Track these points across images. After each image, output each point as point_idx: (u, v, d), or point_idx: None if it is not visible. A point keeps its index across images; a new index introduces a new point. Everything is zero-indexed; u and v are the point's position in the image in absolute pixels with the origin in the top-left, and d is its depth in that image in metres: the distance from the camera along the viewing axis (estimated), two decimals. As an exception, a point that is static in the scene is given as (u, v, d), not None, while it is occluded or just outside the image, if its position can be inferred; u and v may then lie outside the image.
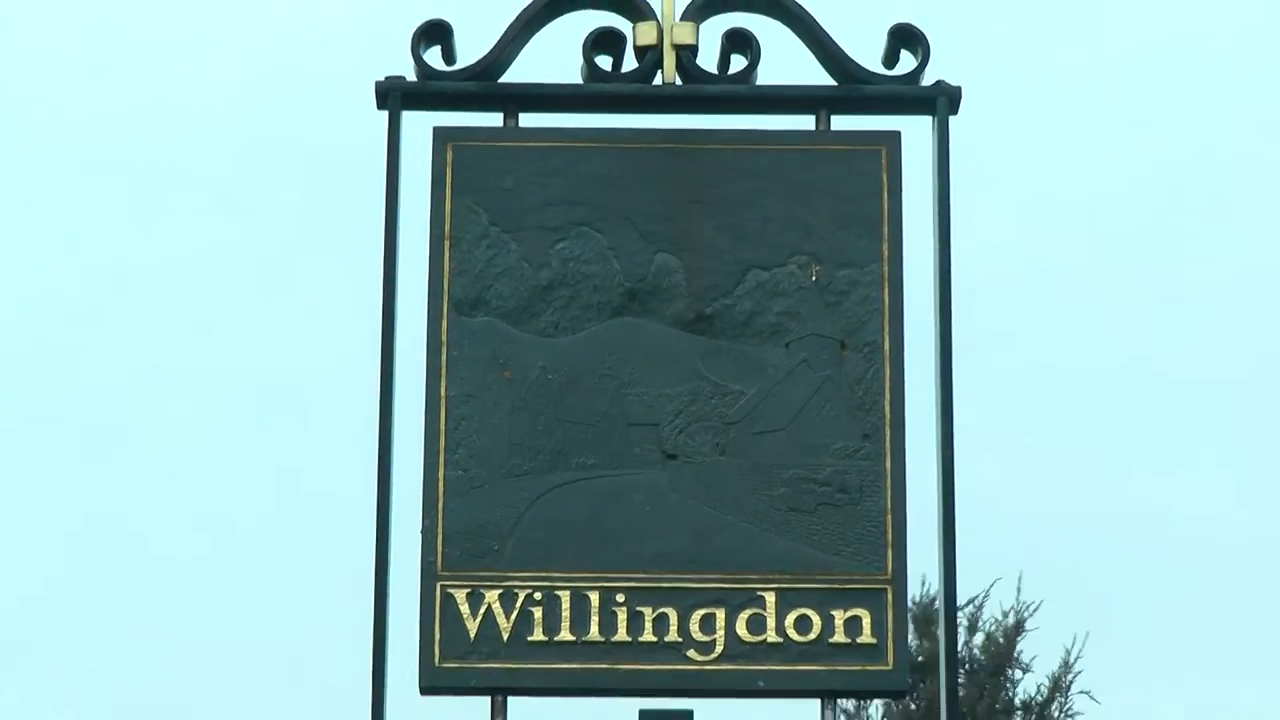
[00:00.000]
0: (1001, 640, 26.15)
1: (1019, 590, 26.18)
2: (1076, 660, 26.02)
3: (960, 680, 25.03)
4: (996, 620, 26.10)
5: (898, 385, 7.01)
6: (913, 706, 18.00)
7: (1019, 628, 26.13)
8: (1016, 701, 26.12)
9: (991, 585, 26.00)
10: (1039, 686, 26.16)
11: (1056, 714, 26.06)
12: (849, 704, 19.72)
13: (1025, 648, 26.10)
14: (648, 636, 6.81)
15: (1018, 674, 26.16)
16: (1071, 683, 26.06)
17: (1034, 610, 26.14)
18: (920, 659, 17.36)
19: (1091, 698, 26.11)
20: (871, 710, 19.21)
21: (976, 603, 25.76)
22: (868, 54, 7.20)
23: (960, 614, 24.71)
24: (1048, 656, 26.05)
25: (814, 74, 7.20)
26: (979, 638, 26.04)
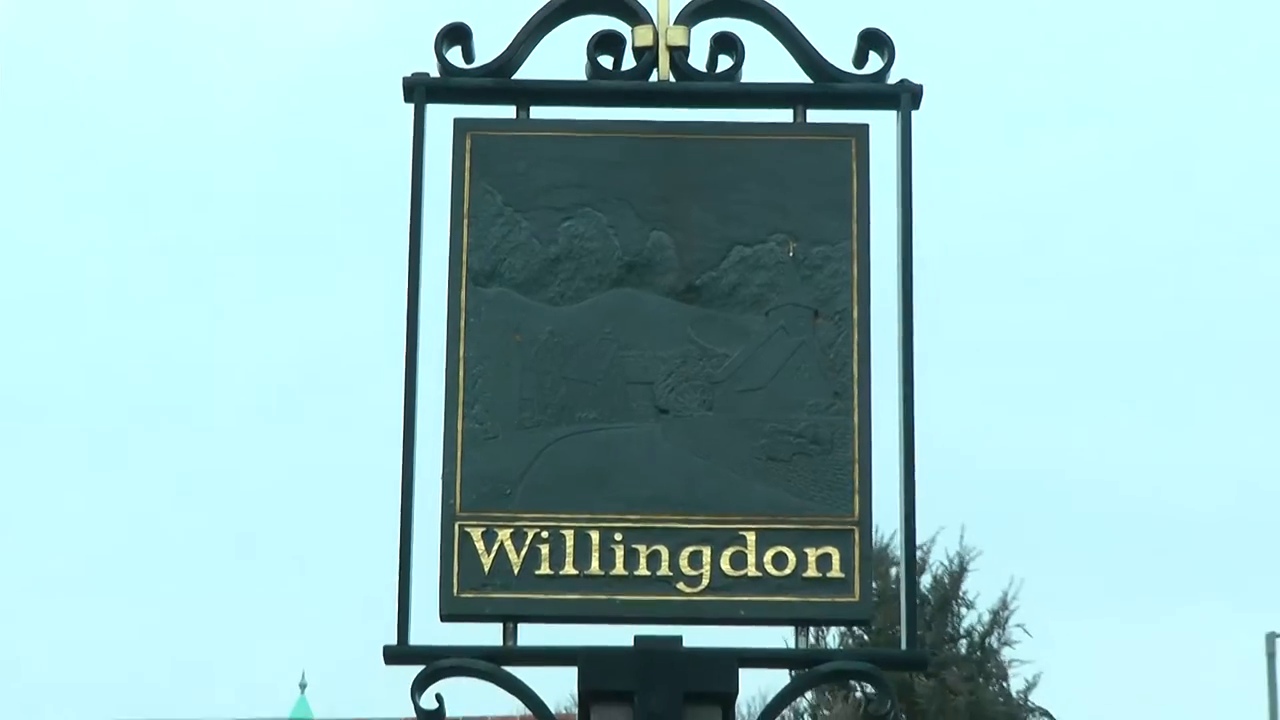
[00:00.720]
0: (947, 581, 26.22)
1: (962, 537, 26.29)
2: (1014, 599, 26.11)
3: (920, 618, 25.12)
4: (943, 564, 26.21)
5: (864, 349, 7.04)
6: (865, 637, 18.02)
7: (962, 570, 26.20)
8: (960, 632, 26.19)
9: (938, 533, 26.09)
10: (980, 619, 26.24)
11: (995, 644, 26.12)
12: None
13: (969, 587, 26.20)
14: (642, 571, 6.85)
15: (962, 610, 26.24)
16: (1009, 618, 26.13)
17: (975, 556, 26.24)
18: (878, 592, 17.35)
19: (1025, 630, 26.20)
20: (829, 639, 19.23)
21: (925, 548, 25.86)
22: (840, 55, 7.22)
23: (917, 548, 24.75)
24: (989, 595, 26.15)
25: (792, 73, 7.22)
26: (926, 579, 26.14)
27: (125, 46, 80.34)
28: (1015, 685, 25.88)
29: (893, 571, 21.38)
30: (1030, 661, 26.21)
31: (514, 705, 6.99)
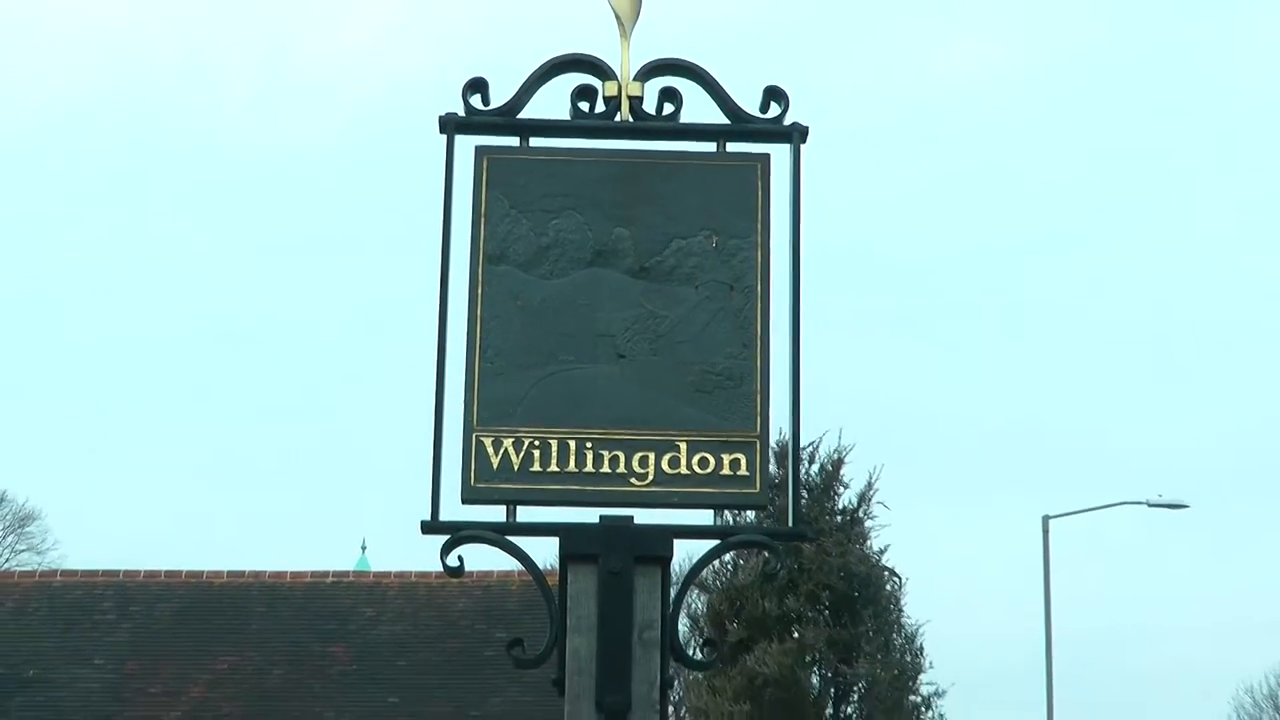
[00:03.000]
0: (830, 468, 26.12)
1: (840, 437, 26.19)
2: (876, 480, 26.07)
3: (803, 497, 25.21)
4: (828, 456, 26.09)
5: (765, 313, 7.05)
6: (765, 520, 18.09)
7: (840, 461, 26.13)
8: (838, 508, 26.12)
9: (823, 435, 25.99)
10: (851, 500, 26.20)
11: (863, 517, 26.07)
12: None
13: (846, 473, 26.12)
14: (605, 470, 6.88)
15: (840, 489, 26.17)
16: (873, 496, 26.09)
17: (851, 450, 26.17)
18: (776, 482, 17.40)
19: (884, 505, 26.18)
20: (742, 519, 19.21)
21: (814, 444, 25.80)
22: (750, 103, 7.23)
23: (803, 452, 25.01)
24: (859, 480, 26.12)
25: (715, 116, 7.23)
26: (815, 467, 26.04)
27: (255, 92, 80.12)
28: (874, 548, 25.79)
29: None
30: (887, 525, 26.17)
31: (514, 565, 7.01)
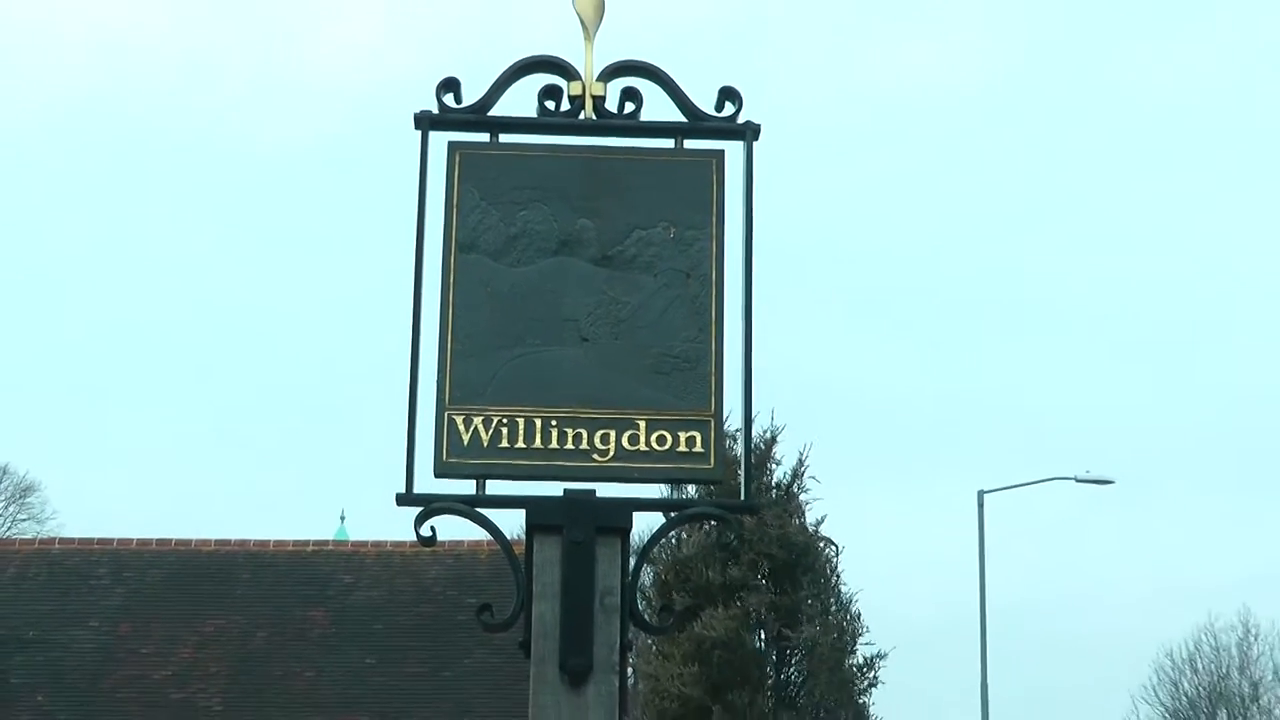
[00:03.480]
0: (763, 447, 26.23)
1: (772, 417, 26.29)
2: (807, 457, 26.17)
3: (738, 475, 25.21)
4: (760, 434, 26.18)
5: (719, 300, 7.00)
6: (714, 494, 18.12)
7: (773, 439, 26.24)
8: (773, 482, 26.21)
9: (756, 415, 26.16)
10: (784, 474, 26.29)
11: (796, 491, 26.19)
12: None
13: (778, 451, 26.24)
14: (569, 446, 6.82)
15: (773, 467, 26.28)
16: (804, 471, 26.18)
17: (782, 430, 26.28)
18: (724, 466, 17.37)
19: (815, 479, 26.27)
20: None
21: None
22: (706, 103, 7.17)
23: (737, 432, 24.94)
24: (790, 456, 26.22)
25: (673, 114, 7.17)
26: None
27: (252, 93, 79.91)
28: (809, 520, 25.90)
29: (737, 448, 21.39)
30: (820, 499, 26.26)
31: (483, 535, 6.96)
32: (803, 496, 25.95)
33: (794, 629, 24.76)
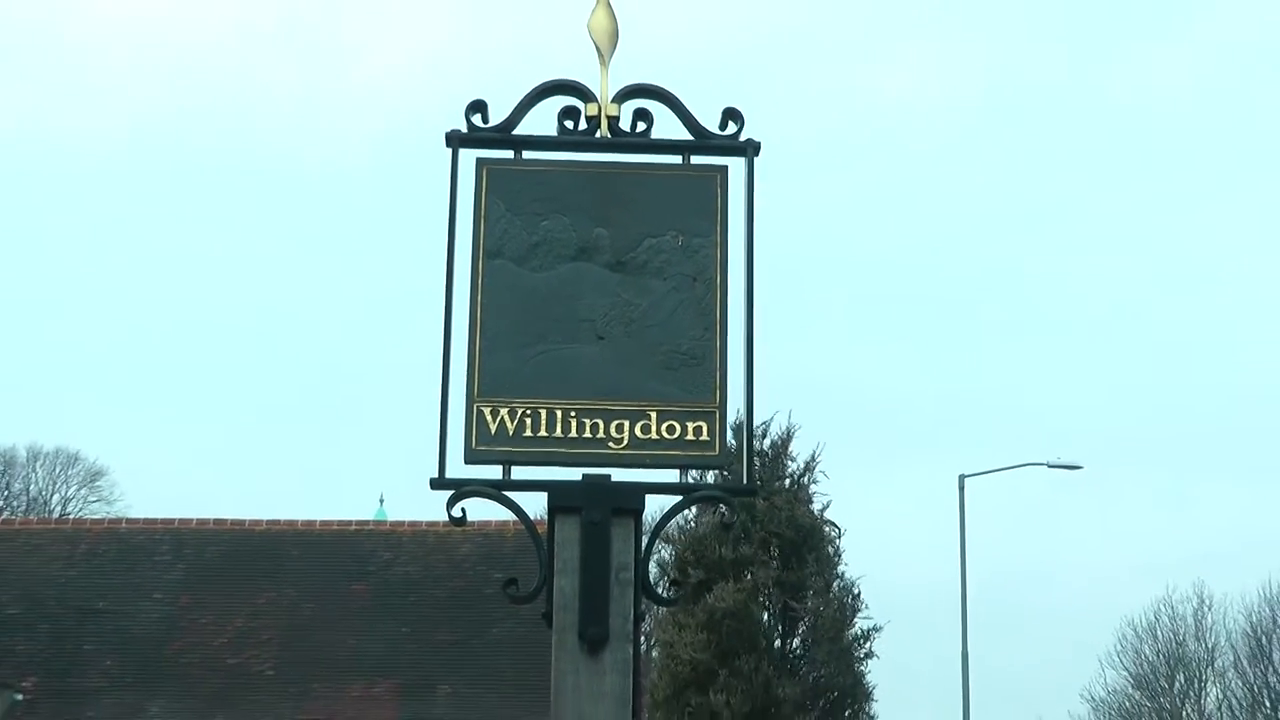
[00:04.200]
0: (780, 442, 26.31)
1: (790, 416, 26.33)
2: (819, 455, 26.21)
3: (756, 466, 25.24)
4: (778, 432, 26.28)
5: (723, 301, 6.99)
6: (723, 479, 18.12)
7: (789, 437, 26.30)
8: (788, 474, 26.25)
9: (774, 414, 26.15)
10: (798, 468, 26.33)
11: (808, 484, 26.26)
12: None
13: (793, 448, 26.30)
14: (587, 435, 6.81)
15: (788, 461, 26.33)
16: (816, 466, 26.23)
17: (798, 429, 26.34)
18: (733, 450, 17.42)
19: (825, 474, 26.30)
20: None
21: (766, 424, 26.03)
22: (711, 122, 7.16)
23: (756, 429, 25.12)
24: (804, 453, 26.26)
25: (681, 133, 7.16)
26: (767, 442, 26.21)
27: (299, 114, 79.93)
28: (816, 507, 25.98)
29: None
30: (828, 496, 26.32)
31: (510, 516, 6.96)
32: (813, 488, 26.14)
33: (800, 602, 24.88)
